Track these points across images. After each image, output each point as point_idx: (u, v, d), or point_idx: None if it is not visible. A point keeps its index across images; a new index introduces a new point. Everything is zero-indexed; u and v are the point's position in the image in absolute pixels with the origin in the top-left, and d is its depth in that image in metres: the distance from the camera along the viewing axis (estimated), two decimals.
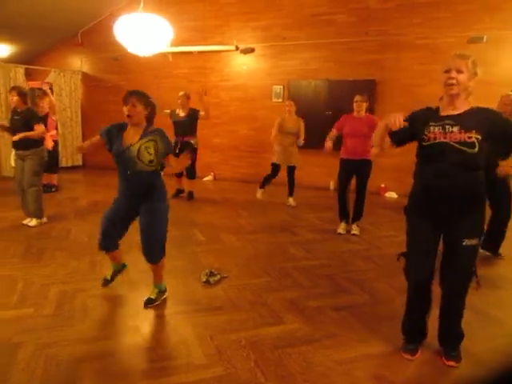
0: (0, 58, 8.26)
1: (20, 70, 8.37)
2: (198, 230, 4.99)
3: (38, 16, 7.51)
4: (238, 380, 2.26)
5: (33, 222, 5.01)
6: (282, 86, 7.84)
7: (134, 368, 2.37)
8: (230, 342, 2.61)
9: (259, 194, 6.41)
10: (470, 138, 2.16)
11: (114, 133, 2.89)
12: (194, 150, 6.45)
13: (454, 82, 2.19)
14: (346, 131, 4.79)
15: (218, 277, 3.57)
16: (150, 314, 3.00)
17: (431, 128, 2.27)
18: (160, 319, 2.92)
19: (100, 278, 3.37)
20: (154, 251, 2.99)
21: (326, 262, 4.06)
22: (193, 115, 6.39)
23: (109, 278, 3.33)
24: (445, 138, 2.22)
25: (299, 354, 2.50)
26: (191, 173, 6.61)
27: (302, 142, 6.04)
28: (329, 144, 4.87)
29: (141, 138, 2.83)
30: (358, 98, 4.78)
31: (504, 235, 4.16)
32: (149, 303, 3.05)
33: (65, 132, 9.19)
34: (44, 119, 5.93)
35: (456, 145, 2.19)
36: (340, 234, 4.95)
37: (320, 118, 7.03)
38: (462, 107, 2.25)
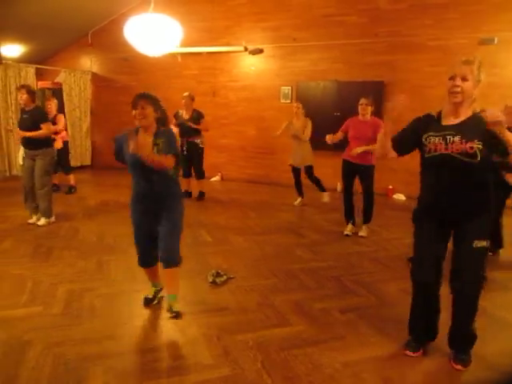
0: (11, 58, 8.34)
1: (31, 70, 8.44)
2: (205, 231, 5.00)
3: (48, 16, 7.58)
4: (244, 381, 2.27)
5: (41, 221, 5.06)
6: (290, 87, 7.83)
7: (141, 368, 2.39)
8: (236, 343, 2.61)
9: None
10: (471, 148, 2.15)
11: (125, 141, 2.76)
12: (199, 150, 6.47)
13: (459, 90, 2.17)
14: (351, 134, 4.77)
15: (225, 277, 3.58)
16: (157, 314, 3.01)
17: (431, 139, 2.27)
18: (167, 319, 2.92)
19: (107, 278, 3.38)
20: (173, 256, 2.93)
21: (332, 264, 4.05)
22: (196, 118, 6.36)
23: (150, 296, 3.17)
24: (446, 149, 2.21)
25: (305, 355, 2.50)
26: (200, 173, 6.63)
27: (303, 136, 5.97)
28: (331, 137, 4.81)
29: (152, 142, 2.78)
30: (363, 100, 4.74)
31: (499, 232, 4.18)
32: (176, 317, 2.92)
33: (73, 132, 9.27)
34: (52, 121, 5.96)
35: (458, 156, 2.18)
36: (347, 235, 4.93)
37: (328, 119, 7.00)
38: (464, 115, 2.24)
